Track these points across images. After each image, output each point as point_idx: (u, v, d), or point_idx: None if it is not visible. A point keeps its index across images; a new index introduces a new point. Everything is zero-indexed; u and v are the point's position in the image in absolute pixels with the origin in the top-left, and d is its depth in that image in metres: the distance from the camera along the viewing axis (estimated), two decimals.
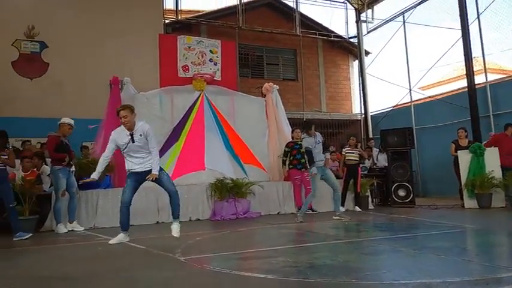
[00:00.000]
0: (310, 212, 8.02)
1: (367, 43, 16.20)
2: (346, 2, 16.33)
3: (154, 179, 4.77)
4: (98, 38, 11.32)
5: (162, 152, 7.86)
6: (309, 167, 6.85)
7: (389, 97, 17.04)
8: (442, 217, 6.84)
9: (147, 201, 7.05)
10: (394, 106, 14.70)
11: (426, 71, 13.37)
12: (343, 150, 9.01)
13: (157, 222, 7.15)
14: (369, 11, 15.90)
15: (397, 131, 9.53)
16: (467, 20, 11.28)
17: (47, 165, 7.24)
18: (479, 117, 10.84)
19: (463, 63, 11.46)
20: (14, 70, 10.91)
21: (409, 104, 13.83)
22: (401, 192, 9.02)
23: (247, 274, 3.15)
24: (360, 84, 16.13)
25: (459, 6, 11.41)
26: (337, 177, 8.15)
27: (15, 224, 5.73)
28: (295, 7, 15.48)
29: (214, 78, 9.59)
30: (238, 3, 14.48)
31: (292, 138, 8.52)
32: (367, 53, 16.18)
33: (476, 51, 11.35)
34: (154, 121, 7.82)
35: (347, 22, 16.54)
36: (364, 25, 16.04)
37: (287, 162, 8.42)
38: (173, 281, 3.17)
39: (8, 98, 10.18)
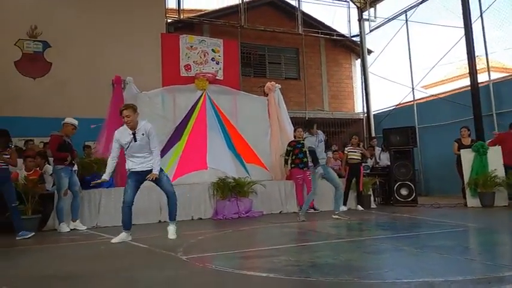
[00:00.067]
0: (312, 210, 8.04)
1: (370, 42, 16.20)
2: (348, 0, 16.28)
3: (154, 178, 4.78)
4: (100, 37, 11.35)
5: (164, 151, 7.88)
6: (313, 166, 6.84)
7: (391, 96, 16.97)
8: (445, 216, 6.83)
9: (149, 200, 7.05)
10: (397, 105, 14.67)
11: (429, 69, 13.34)
12: (346, 149, 9.03)
13: (160, 221, 7.15)
14: (372, 9, 15.87)
15: (399, 130, 9.51)
16: (470, 18, 11.24)
17: (49, 164, 7.26)
18: (482, 116, 10.82)
19: (466, 61, 11.43)
20: (17, 70, 10.93)
21: (412, 102, 13.78)
22: (404, 191, 9.00)
23: (249, 273, 3.15)
24: (362, 83, 16.11)
25: (462, 5, 11.37)
26: (340, 176, 8.14)
27: (18, 223, 5.76)
28: (297, 6, 15.44)
29: (217, 78, 9.59)
30: (240, 2, 14.46)
31: (295, 137, 8.51)
32: (369, 51, 16.14)
33: (479, 50, 11.33)
34: (156, 120, 7.84)
35: (349, 21, 16.52)
36: (366, 24, 16.02)
37: (289, 161, 8.42)
38: (175, 280, 3.17)
39: (11, 98, 10.22)
